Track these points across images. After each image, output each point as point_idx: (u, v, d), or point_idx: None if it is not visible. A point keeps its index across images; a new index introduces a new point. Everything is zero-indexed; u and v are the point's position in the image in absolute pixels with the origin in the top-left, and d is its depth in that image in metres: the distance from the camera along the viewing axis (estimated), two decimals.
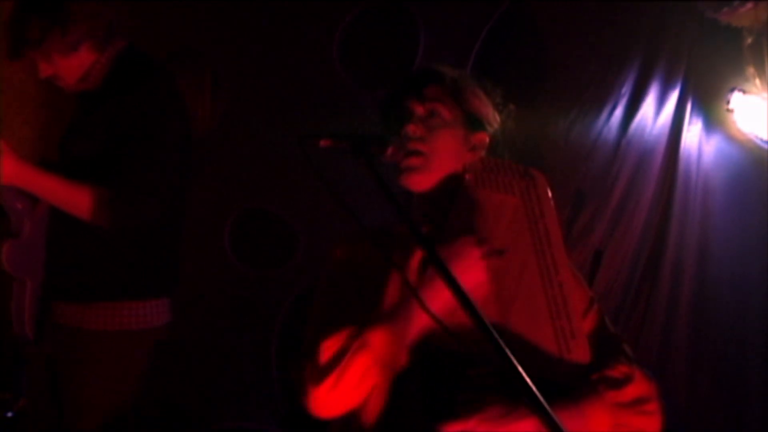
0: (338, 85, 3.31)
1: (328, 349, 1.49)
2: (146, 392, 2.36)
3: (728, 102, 3.03)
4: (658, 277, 3.14)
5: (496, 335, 1.26)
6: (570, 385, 1.50)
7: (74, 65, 2.31)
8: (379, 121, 1.77)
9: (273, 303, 3.35)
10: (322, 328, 1.58)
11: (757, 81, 2.99)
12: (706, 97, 3.14)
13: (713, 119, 3.14)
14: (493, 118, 1.74)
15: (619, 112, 3.15)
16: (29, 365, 2.64)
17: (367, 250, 1.65)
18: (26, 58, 2.29)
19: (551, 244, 1.59)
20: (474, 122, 1.70)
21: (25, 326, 2.41)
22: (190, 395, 3.33)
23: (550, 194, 1.64)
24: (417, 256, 1.60)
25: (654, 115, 3.16)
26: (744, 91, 3.00)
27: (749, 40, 2.97)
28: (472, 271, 1.52)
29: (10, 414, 2.95)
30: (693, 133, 3.15)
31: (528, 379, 1.23)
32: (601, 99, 3.16)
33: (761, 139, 3.03)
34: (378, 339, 1.48)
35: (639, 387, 1.55)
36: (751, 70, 3.00)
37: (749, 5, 2.87)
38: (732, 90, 3.01)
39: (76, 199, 2.19)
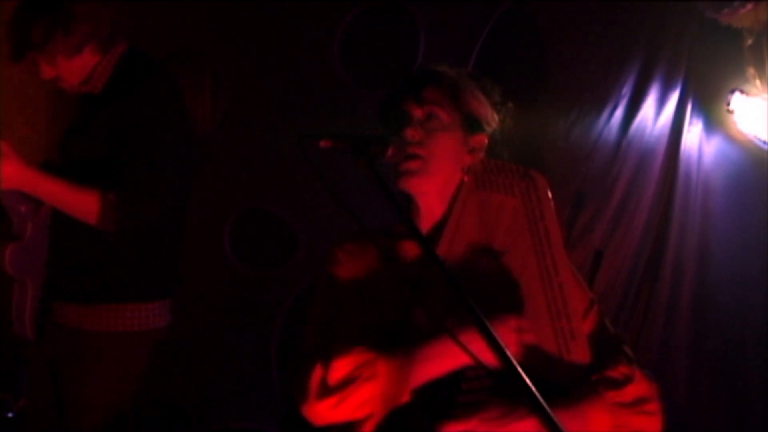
0: (338, 85, 3.31)
1: (339, 369, 1.49)
2: (146, 392, 2.36)
3: (728, 103, 3.03)
4: (658, 277, 3.14)
5: (496, 335, 1.27)
6: (570, 385, 1.51)
7: (77, 67, 2.29)
8: (379, 122, 1.76)
9: (273, 303, 3.35)
10: (322, 330, 1.58)
11: (758, 82, 2.99)
12: (706, 98, 3.14)
13: (713, 120, 3.14)
14: (492, 118, 1.73)
15: (619, 113, 3.15)
16: (29, 365, 2.64)
17: (367, 250, 1.65)
18: (28, 59, 2.27)
19: (551, 245, 1.60)
20: (473, 124, 1.69)
21: (26, 326, 2.40)
22: (190, 395, 3.33)
23: (550, 195, 1.64)
24: (416, 256, 1.60)
25: (654, 115, 3.16)
26: (744, 92, 3.00)
27: (749, 41, 2.97)
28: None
29: (10, 414, 2.95)
30: (693, 133, 3.15)
31: (528, 380, 1.23)
32: (602, 99, 3.16)
33: (761, 140, 3.03)
34: (388, 374, 1.48)
35: (639, 387, 1.55)
36: (751, 71, 2.99)
37: (749, 6, 2.87)
38: (732, 91, 3.01)
39: (83, 205, 2.18)
